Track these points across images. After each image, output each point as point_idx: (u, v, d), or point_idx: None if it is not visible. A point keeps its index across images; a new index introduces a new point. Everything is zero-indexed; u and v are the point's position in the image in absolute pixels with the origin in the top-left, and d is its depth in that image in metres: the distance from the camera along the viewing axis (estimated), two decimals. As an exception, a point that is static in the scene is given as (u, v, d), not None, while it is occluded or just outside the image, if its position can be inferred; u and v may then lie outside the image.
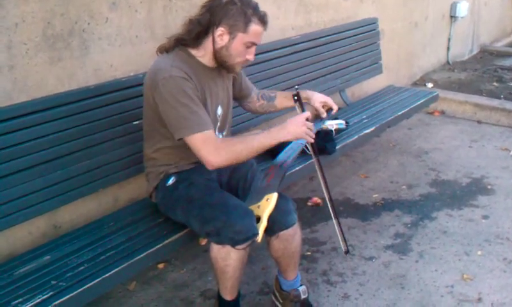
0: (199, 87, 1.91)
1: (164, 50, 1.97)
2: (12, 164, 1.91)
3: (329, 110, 2.29)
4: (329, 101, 2.28)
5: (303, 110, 2.03)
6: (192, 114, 1.83)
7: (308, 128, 1.94)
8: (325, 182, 2.14)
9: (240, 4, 1.87)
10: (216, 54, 1.93)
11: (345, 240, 2.25)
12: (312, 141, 2.00)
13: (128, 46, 2.42)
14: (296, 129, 1.92)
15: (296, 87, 2.13)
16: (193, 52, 1.96)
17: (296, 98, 2.08)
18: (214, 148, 1.84)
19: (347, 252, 2.28)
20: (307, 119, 1.94)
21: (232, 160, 1.88)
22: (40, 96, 2.07)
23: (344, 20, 3.88)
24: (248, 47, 1.93)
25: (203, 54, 1.96)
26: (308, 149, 2.19)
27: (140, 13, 2.45)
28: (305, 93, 2.28)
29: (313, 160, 2.14)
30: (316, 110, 2.26)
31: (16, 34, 2.00)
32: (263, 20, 1.91)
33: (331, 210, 2.18)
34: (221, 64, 1.96)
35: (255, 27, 1.89)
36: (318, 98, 2.26)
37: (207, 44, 1.93)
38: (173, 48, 1.96)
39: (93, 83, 2.28)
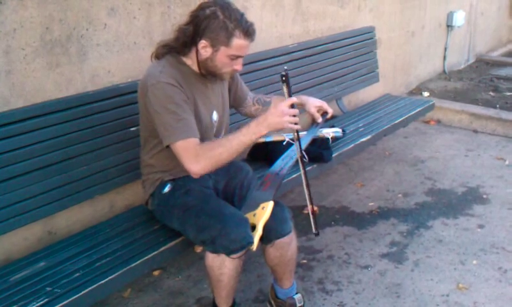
0: (189, 93, 1.90)
1: (155, 56, 1.97)
2: (9, 169, 1.91)
3: (324, 114, 2.26)
4: (324, 105, 2.25)
5: (290, 95, 1.87)
6: (177, 121, 1.82)
7: (292, 115, 1.82)
8: (306, 181, 1.99)
9: (223, 17, 1.82)
10: (202, 64, 1.92)
11: (315, 223, 2.04)
12: (297, 127, 1.86)
13: (126, 52, 2.43)
14: (277, 120, 1.81)
15: (285, 67, 1.93)
16: (183, 58, 1.96)
17: (283, 79, 1.85)
18: (194, 156, 1.81)
19: (317, 234, 2.12)
20: (292, 106, 1.83)
21: (213, 164, 1.84)
22: (38, 102, 2.08)
23: (341, 28, 3.90)
24: (233, 59, 1.90)
25: (192, 63, 1.95)
26: (305, 158, 2.15)
27: (138, 19, 2.46)
28: (299, 98, 2.25)
29: (297, 155, 2.00)
30: (311, 115, 2.23)
31: (14, 39, 2.01)
32: (247, 33, 1.86)
33: (307, 199, 2.00)
34: (209, 74, 1.96)
35: (237, 41, 1.84)
36: (313, 103, 2.24)
37: (194, 53, 1.93)
38: (164, 55, 1.95)
39: (91, 89, 2.28)
